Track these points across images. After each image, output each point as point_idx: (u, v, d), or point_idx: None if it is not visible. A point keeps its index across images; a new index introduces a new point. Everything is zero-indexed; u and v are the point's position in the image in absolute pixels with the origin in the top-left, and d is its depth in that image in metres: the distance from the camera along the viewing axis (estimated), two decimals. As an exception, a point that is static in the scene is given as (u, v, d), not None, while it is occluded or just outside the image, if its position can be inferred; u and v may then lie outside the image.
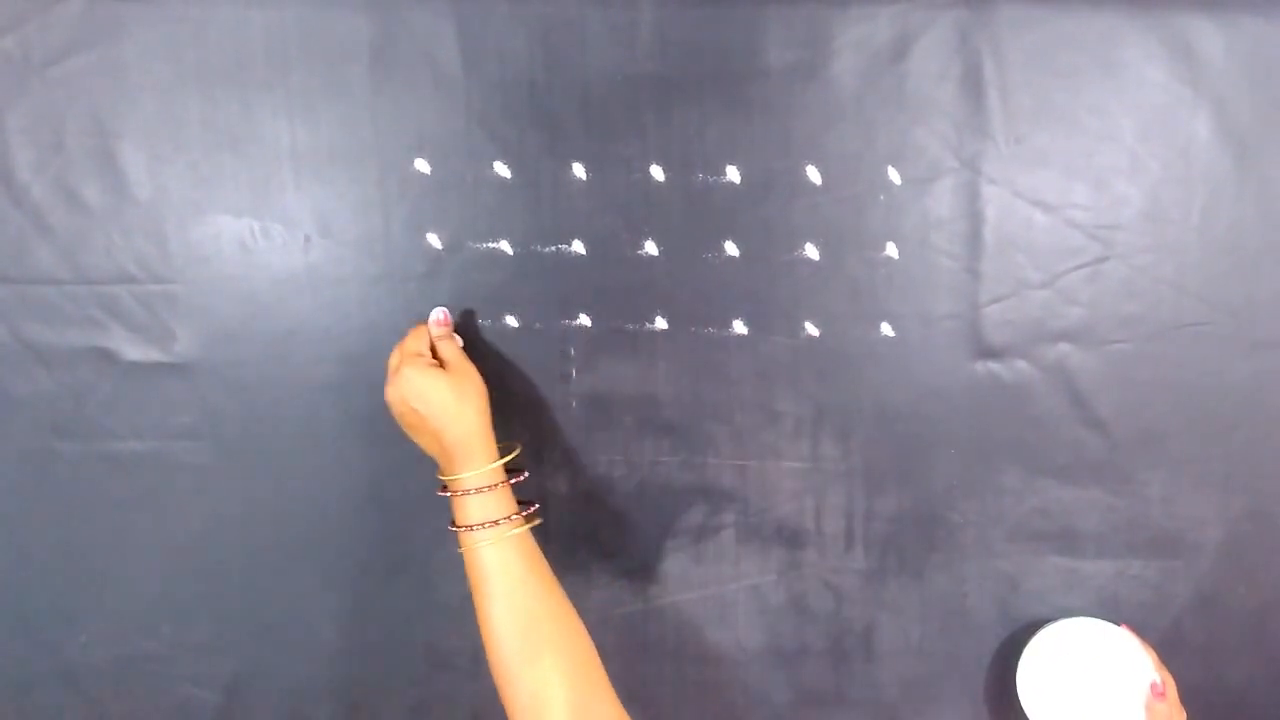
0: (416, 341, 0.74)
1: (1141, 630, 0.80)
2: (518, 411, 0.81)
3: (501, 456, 0.70)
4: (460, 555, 0.68)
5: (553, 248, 0.79)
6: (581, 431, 0.82)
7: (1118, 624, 0.79)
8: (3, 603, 0.83)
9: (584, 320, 0.80)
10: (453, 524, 0.69)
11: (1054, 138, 0.78)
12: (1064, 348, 0.80)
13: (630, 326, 0.80)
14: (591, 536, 0.83)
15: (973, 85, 0.77)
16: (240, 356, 0.80)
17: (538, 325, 0.80)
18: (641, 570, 0.84)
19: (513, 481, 0.70)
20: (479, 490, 0.68)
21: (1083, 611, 0.82)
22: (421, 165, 0.78)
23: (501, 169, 0.78)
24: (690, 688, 0.85)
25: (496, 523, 0.67)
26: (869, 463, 0.82)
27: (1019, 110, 0.77)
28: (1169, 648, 0.80)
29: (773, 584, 0.84)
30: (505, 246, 0.79)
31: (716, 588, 0.84)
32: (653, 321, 0.80)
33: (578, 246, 0.79)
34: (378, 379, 0.80)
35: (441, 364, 0.73)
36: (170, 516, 0.82)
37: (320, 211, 0.79)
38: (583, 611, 0.81)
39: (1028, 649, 0.80)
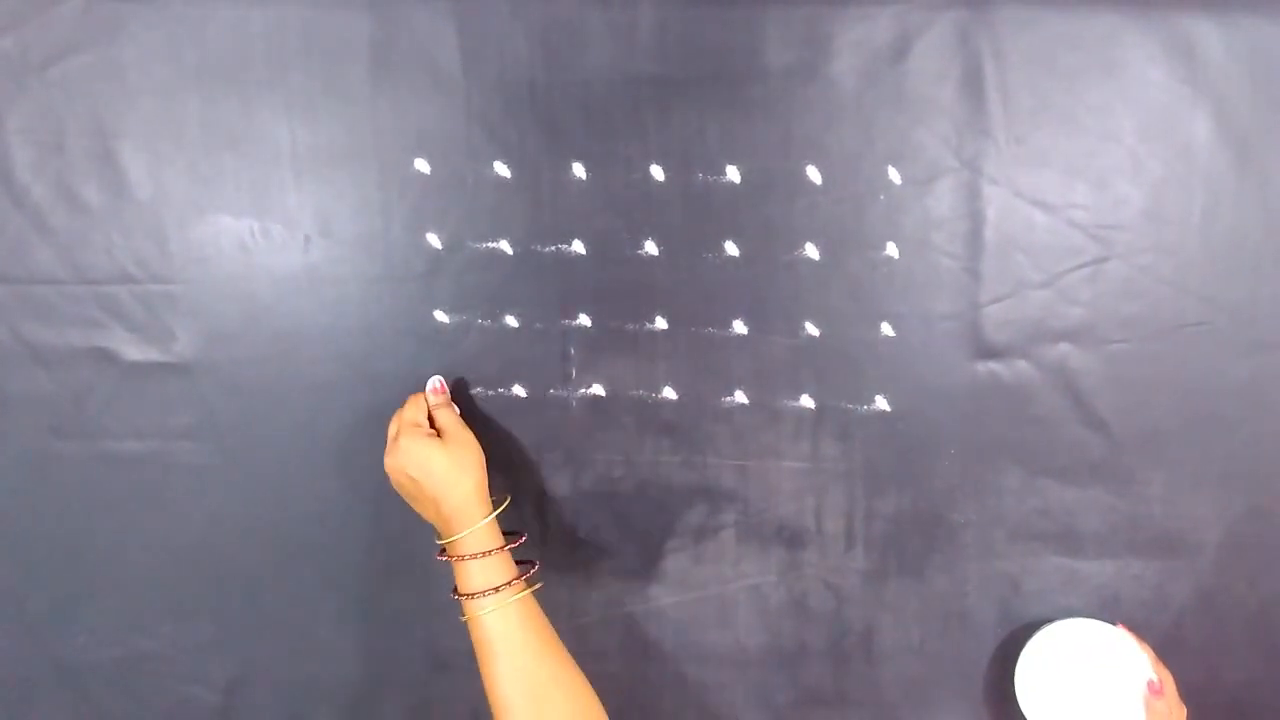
0: (414, 410, 0.75)
1: (1142, 630, 0.80)
2: (518, 412, 0.81)
3: (493, 509, 0.71)
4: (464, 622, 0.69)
5: (553, 247, 0.79)
6: (581, 431, 0.82)
7: (1115, 624, 0.80)
8: (2, 602, 0.83)
9: (584, 320, 0.80)
10: (455, 592, 0.70)
11: (1054, 138, 0.78)
12: (1064, 348, 0.80)
13: (630, 326, 0.80)
14: (591, 536, 0.83)
15: (973, 85, 0.77)
16: (240, 356, 0.80)
17: (538, 325, 0.80)
18: (642, 570, 0.84)
19: (511, 547, 0.71)
20: (476, 556, 0.68)
21: (1083, 611, 0.82)
22: (421, 165, 0.78)
23: (501, 169, 0.78)
24: (691, 688, 0.85)
25: (498, 589, 0.68)
26: (869, 463, 0.82)
27: (1019, 110, 0.77)
28: (1169, 647, 0.80)
29: (773, 584, 0.84)
30: (505, 246, 0.79)
31: (717, 588, 0.84)
32: (653, 321, 0.80)
33: (578, 246, 0.79)
34: (378, 378, 0.80)
35: (439, 432, 0.74)
36: (170, 516, 0.82)
37: (320, 211, 0.79)
38: (584, 612, 0.81)
39: (1025, 651, 0.80)
